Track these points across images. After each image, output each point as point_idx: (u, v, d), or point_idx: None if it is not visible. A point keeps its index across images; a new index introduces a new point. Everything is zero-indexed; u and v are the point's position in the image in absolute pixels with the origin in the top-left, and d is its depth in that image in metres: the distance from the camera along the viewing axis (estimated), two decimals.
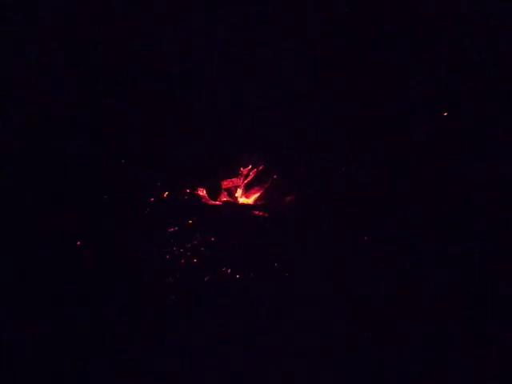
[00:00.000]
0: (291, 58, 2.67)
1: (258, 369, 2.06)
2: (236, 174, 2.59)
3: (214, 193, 2.52)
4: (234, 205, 2.55)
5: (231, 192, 2.60)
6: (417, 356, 2.07)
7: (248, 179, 2.60)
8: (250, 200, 2.61)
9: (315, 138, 2.57)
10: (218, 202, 2.53)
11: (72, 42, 2.73)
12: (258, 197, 2.59)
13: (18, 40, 2.73)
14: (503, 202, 2.33)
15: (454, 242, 2.28)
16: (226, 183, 2.58)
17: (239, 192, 2.62)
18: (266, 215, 2.45)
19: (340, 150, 2.54)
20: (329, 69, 2.65)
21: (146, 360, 2.08)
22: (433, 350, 2.08)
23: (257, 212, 2.47)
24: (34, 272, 2.25)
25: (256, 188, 2.58)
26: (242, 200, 2.61)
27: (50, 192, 2.42)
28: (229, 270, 2.28)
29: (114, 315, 2.17)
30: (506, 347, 2.05)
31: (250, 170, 2.60)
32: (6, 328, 2.13)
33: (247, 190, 2.60)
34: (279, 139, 2.59)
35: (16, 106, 2.64)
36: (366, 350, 2.10)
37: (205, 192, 2.53)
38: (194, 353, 2.09)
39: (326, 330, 2.13)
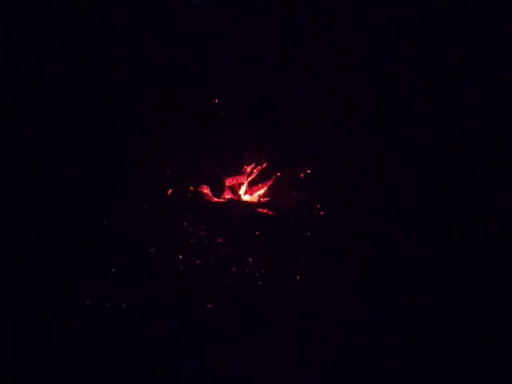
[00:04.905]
0: (292, 56, 2.68)
1: (258, 369, 2.06)
2: (239, 172, 2.59)
3: (217, 190, 2.52)
4: (237, 202, 2.55)
5: (235, 189, 2.60)
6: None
7: (252, 177, 2.60)
8: (254, 197, 2.61)
9: (318, 136, 2.58)
10: (221, 200, 2.52)
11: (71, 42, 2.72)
12: (262, 194, 2.59)
13: (17, 39, 2.71)
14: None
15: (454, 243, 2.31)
16: (229, 181, 2.57)
17: (243, 189, 2.62)
18: (270, 213, 2.45)
19: (342, 147, 2.55)
20: (330, 67, 2.67)
21: (146, 360, 2.07)
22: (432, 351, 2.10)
23: (260, 209, 2.47)
24: (34, 272, 2.23)
25: (259, 185, 2.58)
26: (246, 198, 2.62)
27: (51, 191, 2.41)
28: (232, 268, 2.27)
29: (115, 313, 2.15)
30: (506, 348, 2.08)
31: (254, 168, 2.60)
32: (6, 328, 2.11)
33: (251, 188, 2.60)
34: (282, 137, 2.59)
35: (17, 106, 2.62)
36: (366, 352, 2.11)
37: (208, 189, 2.53)
38: (194, 353, 2.08)
39: (329, 330, 2.14)
